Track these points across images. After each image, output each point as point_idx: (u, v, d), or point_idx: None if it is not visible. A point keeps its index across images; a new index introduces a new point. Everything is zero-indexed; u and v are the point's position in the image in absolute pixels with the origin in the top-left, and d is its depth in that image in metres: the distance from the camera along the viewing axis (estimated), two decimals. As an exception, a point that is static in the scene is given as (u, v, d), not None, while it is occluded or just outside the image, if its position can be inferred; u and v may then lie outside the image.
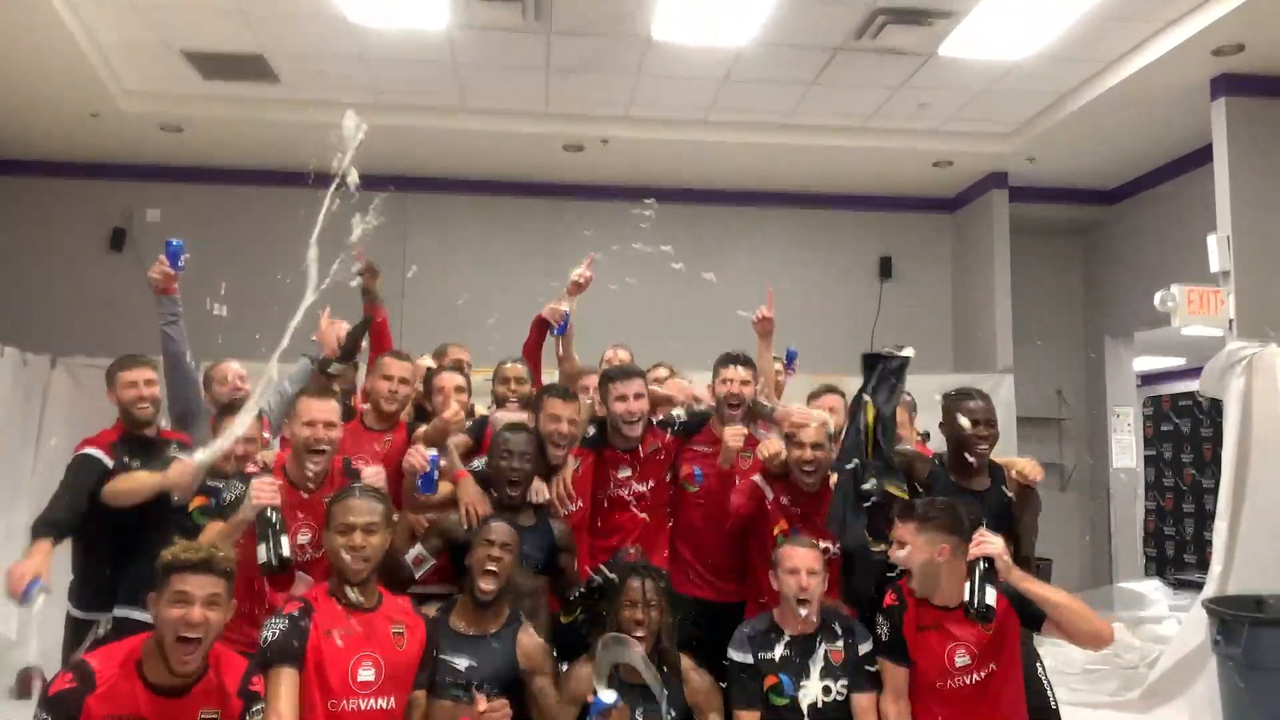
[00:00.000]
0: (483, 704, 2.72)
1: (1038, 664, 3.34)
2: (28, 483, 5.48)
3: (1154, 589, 7.21)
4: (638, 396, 3.53)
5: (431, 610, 2.98)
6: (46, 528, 3.25)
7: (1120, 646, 6.47)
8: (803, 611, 3.02)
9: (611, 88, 6.04)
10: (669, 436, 3.67)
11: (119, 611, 3.16)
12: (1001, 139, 6.87)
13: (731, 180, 7.50)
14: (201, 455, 3.00)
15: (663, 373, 4.47)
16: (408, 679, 2.74)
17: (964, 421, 3.28)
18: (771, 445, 3.44)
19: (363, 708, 2.60)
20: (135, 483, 3.08)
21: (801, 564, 3.03)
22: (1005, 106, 6.34)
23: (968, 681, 2.90)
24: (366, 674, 2.62)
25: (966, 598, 2.75)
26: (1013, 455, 3.73)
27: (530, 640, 2.99)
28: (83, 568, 3.43)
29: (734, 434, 3.48)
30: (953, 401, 3.41)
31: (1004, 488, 3.34)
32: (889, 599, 3.05)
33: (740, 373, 3.65)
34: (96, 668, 2.29)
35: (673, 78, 5.87)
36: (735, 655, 3.09)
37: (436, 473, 3.20)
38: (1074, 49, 5.45)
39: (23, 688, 5.40)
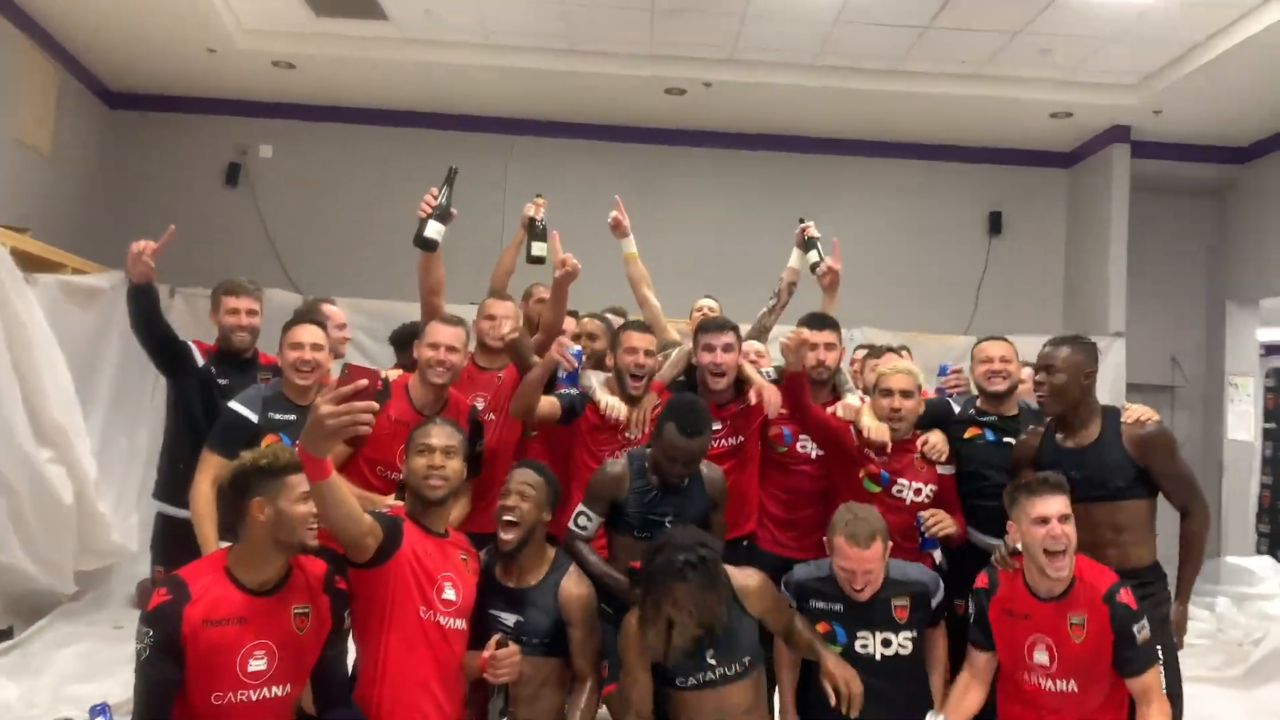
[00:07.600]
0: (490, 649, 2.64)
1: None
2: (149, 406, 5.79)
3: (1265, 566, 6.94)
4: (726, 349, 3.37)
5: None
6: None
7: (1226, 622, 6.27)
8: (858, 598, 2.92)
9: (716, 29, 5.91)
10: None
11: None
12: (1127, 90, 6.49)
13: (836, 128, 7.29)
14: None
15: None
16: (470, 608, 2.75)
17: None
18: (852, 410, 3.36)
19: (444, 625, 2.65)
20: (199, 524, 3.15)
21: (857, 565, 2.84)
22: (1133, 55, 5.99)
23: (1046, 687, 2.78)
24: (449, 594, 2.67)
25: None
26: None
27: (570, 588, 2.84)
28: (168, 465, 3.60)
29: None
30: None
31: (1120, 437, 3.09)
32: (981, 580, 2.96)
33: (826, 336, 3.47)
34: (188, 578, 2.38)
35: (779, 18, 5.71)
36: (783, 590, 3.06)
37: (579, 365, 3.24)
38: (1214, -8, 5.12)
39: (143, 598, 5.74)
